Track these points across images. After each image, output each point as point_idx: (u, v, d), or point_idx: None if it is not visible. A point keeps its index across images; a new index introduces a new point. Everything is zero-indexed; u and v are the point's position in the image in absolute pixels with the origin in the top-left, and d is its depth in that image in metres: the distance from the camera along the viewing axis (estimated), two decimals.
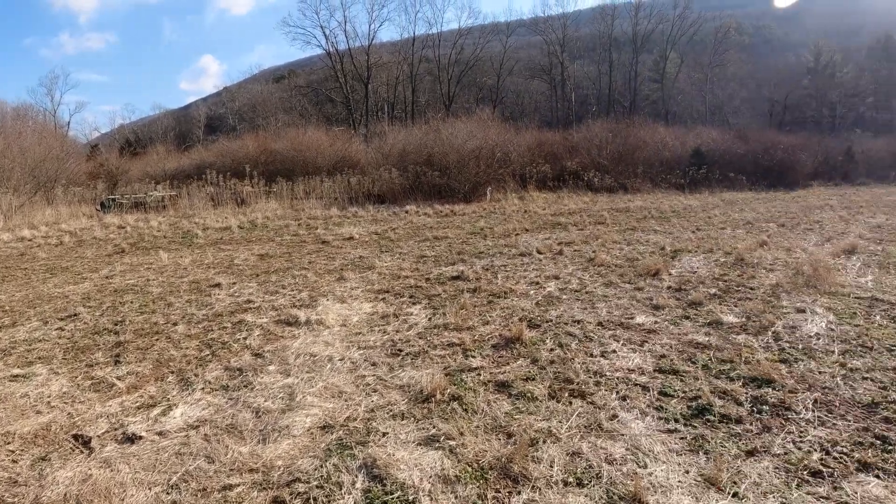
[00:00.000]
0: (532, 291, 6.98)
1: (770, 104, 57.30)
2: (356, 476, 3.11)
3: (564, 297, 6.72)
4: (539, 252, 9.60)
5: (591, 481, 3.04)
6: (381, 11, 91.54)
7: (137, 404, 4.14)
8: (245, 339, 5.34)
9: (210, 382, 4.41)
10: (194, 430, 3.71)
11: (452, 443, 3.43)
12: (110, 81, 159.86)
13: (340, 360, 4.81)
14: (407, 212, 16.71)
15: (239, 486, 3.10)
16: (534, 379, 4.36)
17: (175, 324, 5.87)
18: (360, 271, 8.29)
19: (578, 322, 5.73)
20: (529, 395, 4.08)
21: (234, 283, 7.46)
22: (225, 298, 6.77)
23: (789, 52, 66.87)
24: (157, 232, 13.19)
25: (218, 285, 7.40)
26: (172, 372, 4.65)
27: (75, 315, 6.51)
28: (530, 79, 62.21)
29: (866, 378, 4.30)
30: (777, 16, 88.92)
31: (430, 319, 5.90)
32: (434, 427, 3.62)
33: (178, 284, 7.59)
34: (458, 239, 11.40)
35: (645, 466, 3.18)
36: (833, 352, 4.84)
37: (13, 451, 3.73)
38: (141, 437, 3.66)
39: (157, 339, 5.44)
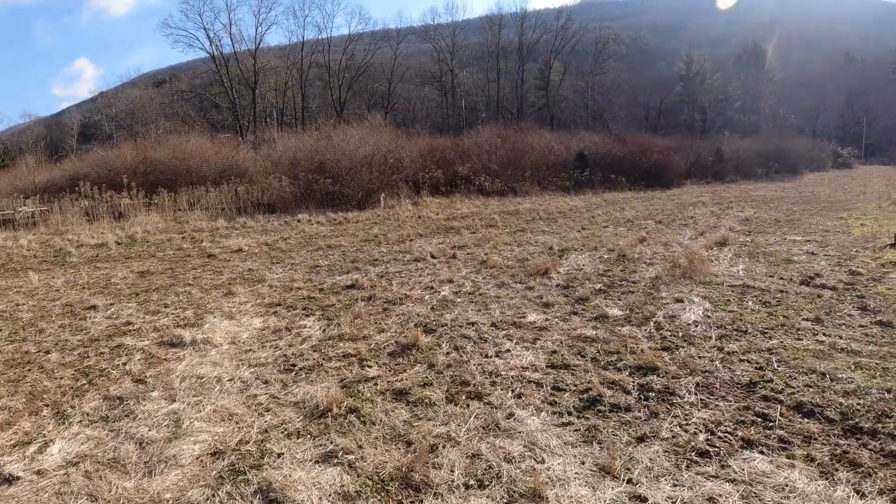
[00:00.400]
0: (427, 296, 7.07)
1: (646, 110, 61.29)
2: (251, 502, 3.04)
3: (459, 300, 6.87)
4: (433, 257, 9.73)
5: (491, 482, 3.15)
6: (268, 14, 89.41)
7: (12, 442, 3.85)
8: (125, 364, 5.06)
9: (88, 414, 4.16)
10: (74, 466, 3.49)
11: (351, 457, 3.43)
12: None
13: (230, 380, 4.68)
14: (299, 220, 16.38)
15: None
16: (431, 384, 4.44)
17: (48, 352, 5.47)
18: (250, 285, 8.05)
19: (473, 324, 5.88)
20: (427, 400, 4.16)
21: (112, 305, 7.03)
22: (102, 321, 6.36)
23: (663, 62, 71.72)
24: (27, 251, 12.16)
25: (94, 307, 6.94)
26: (47, 405, 4.35)
27: None
28: (421, 86, 62.97)
29: (743, 360, 4.73)
30: (652, 27, 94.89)
31: (324, 331, 5.84)
32: (331, 443, 3.61)
33: (50, 308, 7.05)
34: (352, 247, 11.33)
35: (543, 462, 3.33)
36: (711, 337, 5.26)
37: None
38: (18, 478, 3.41)
39: (30, 370, 5.05)
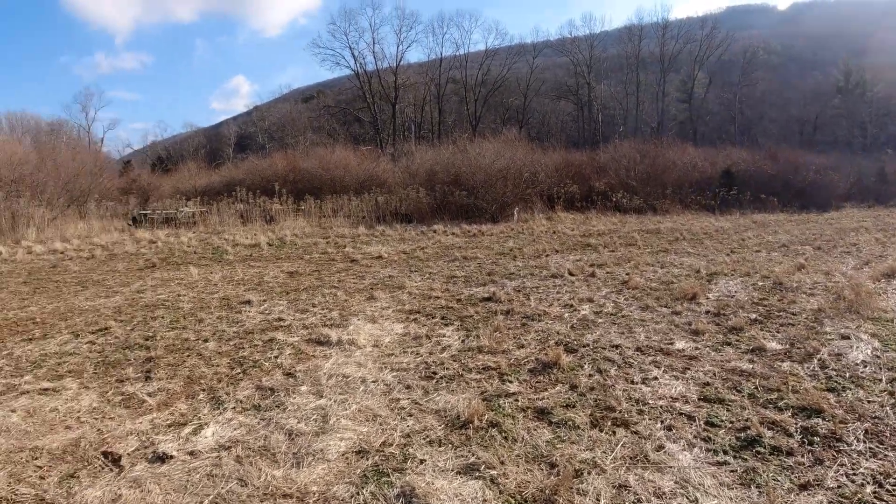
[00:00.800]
0: (566, 314, 6.81)
1: (800, 124, 56.52)
2: None
3: (600, 320, 6.54)
4: (571, 274, 9.42)
5: None
6: (408, 33, 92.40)
7: (168, 422, 4.06)
8: (276, 357, 5.25)
9: (241, 402, 4.32)
10: (226, 450, 3.60)
11: (493, 472, 3.27)
12: (144, 99, 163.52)
13: (374, 381, 4.69)
14: (434, 231, 16.63)
15: None
16: (574, 406, 4.19)
17: (206, 340, 5.82)
18: (391, 291, 8.19)
19: (617, 347, 5.55)
20: (570, 423, 3.92)
21: (265, 301, 7.41)
22: (255, 316, 6.71)
23: (818, 72, 66.02)
24: (188, 247, 13.26)
25: (248, 302, 7.35)
26: (203, 390, 4.57)
27: (106, 329, 6.49)
28: (556, 99, 62.27)
29: None
30: (805, 35, 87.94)
31: (463, 342, 5.75)
32: (473, 455, 3.47)
33: (208, 300, 7.56)
34: (487, 259, 11.27)
35: (696, 501, 3.01)
36: (881, 380, 4.60)
37: (41, 467, 3.66)
38: (172, 457, 3.56)
39: (188, 356, 5.38)
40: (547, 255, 11.74)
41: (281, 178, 23.94)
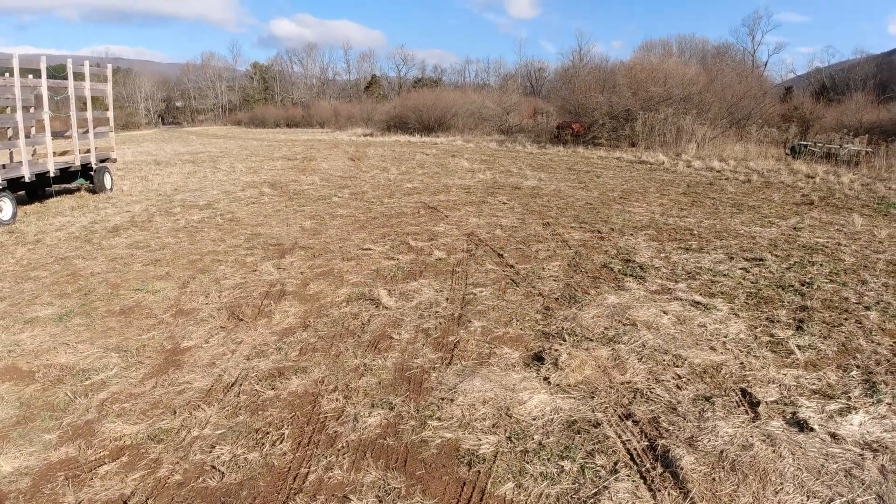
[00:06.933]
0: None
1: None
2: None
3: None
4: None
5: None
6: None
7: (813, 387, 3.64)
8: None
9: None
10: (872, 451, 2.97)
11: None
12: (811, 21, 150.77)
13: None
14: None
15: None
16: None
17: (868, 308, 4.98)
18: None
19: None
20: None
21: None
22: None
23: None
24: (849, 190, 11.83)
25: None
26: (858, 366, 3.92)
27: (761, 260, 6.34)
28: None
29: None
30: None
31: None
32: None
33: (873, 259, 6.49)
34: None
35: None
36: None
37: (680, 377, 3.80)
38: (812, 430, 3.16)
39: (846, 320, 4.71)
40: None
41: None
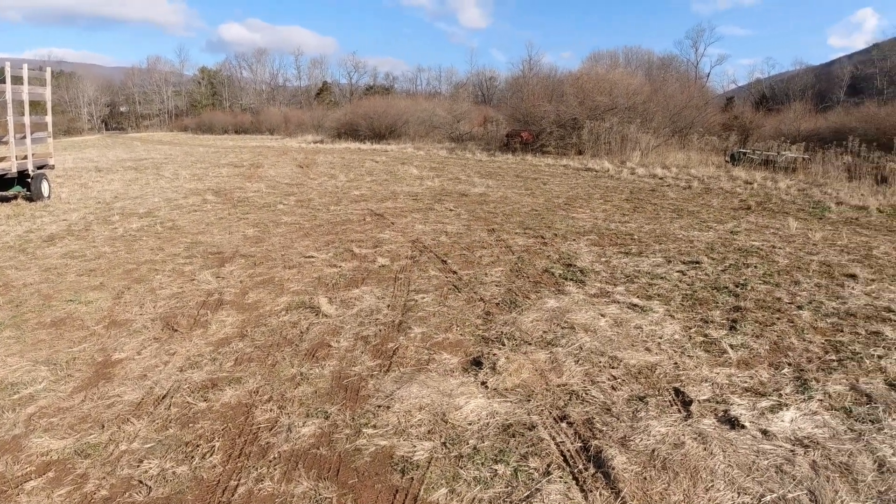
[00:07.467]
0: None
1: None
2: None
3: None
4: None
5: None
6: None
7: (745, 385, 3.70)
8: (881, 358, 4.20)
9: (830, 397, 3.58)
10: (802, 448, 3.03)
11: None
12: (753, 35, 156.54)
13: None
14: None
15: None
16: None
17: (800, 307, 5.12)
18: None
19: None
20: None
21: (873, 281, 6.12)
22: (860, 296, 5.58)
23: None
24: (785, 195, 12.27)
25: (853, 276, 6.20)
26: (790, 364, 4.01)
27: (697, 263, 6.48)
28: None
29: None
30: None
31: None
32: None
33: (806, 261, 6.72)
34: None
35: None
36: None
37: (615, 378, 3.82)
38: (743, 427, 3.21)
39: (778, 319, 4.83)
40: None
41: None
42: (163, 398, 3.63)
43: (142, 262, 6.82)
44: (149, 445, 3.11)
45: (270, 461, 2.98)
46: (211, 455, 3.03)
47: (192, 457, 3.01)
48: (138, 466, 2.93)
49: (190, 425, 3.32)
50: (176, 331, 4.74)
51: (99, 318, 5.03)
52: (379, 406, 3.49)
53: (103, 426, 3.31)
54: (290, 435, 3.19)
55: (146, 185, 14.54)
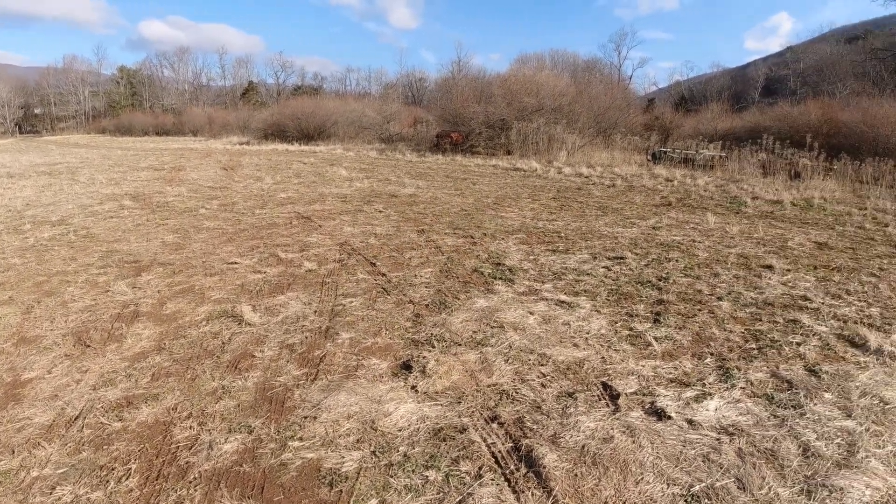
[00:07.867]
0: None
1: None
2: None
3: None
4: None
5: None
6: None
7: (670, 376, 3.78)
8: (799, 345, 4.39)
9: (752, 384, 3.71)
10: (728, 435, 3.11)
11: None
12: (674, 39, 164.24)
13: None
14: None
15: None
16: None
17: (720, 298, 5.30)
18: None
19: None
20: None
21: (789, 271, 6.43)
22: (777, 286, 5.84)
23: None
24: (704, 192, 12.78)
25: (769, 267, 6.49)
26: (712, 354, 4.13)
27: (622, 259, 6.61)
28: None
29: None
30: None
31: None
32: None
33: (725, 254, 6.99)
34: None
35: None
36: None
37: (544, 375, 3.83)
38: (670, 418, 3.27)
39: (700, 310, 4.98)
40: None
41: (813, 130, 20.92)
42: (75, 419, 3.38)
43: (53, 274, 6.39)
44: (61, 471, 2.91)
45: (191, 482, 2.81)
46: (127, 478, 2.84)
47: (108, 481, 2.82)
48: (51, 493, 2.74)
49: (104, 447, 3.10)
50: (89, 346, 4.44)
51: (7, 335, 4.67)
52: (305, 417, 3.36)
53: (13, 451, 3.07)
54: (212, 453, 3.03)
55: (60, 191, 13.71)
